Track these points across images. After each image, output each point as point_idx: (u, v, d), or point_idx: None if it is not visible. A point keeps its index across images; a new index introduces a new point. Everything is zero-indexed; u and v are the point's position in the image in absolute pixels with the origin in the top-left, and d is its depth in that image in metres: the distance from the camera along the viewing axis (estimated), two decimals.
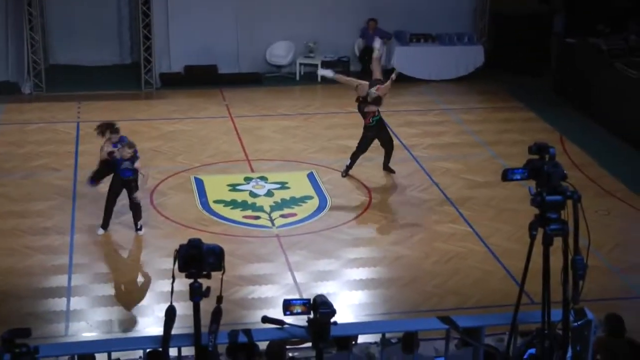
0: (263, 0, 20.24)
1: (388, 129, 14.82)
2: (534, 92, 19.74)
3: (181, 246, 4.98)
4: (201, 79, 19.81)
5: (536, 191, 5.24)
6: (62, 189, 13.99)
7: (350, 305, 10.75)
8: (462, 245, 12.50)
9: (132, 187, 12.32)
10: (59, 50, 20.62)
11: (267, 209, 13.50)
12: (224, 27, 20.11)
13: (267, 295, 11.04)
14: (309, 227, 13.04)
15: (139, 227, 12.50)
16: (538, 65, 20.88)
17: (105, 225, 12.50)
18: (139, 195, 12.43)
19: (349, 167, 14.75)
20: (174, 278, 5.02)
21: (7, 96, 18.75)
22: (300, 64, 20.59)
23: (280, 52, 20.62)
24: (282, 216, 13.31)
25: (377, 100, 14.21)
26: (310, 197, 13.98)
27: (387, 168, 14.89)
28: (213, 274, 5.07)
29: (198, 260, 4.96)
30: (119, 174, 12.25)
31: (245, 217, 13.26)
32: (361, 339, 8.34)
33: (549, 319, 5.38)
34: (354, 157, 14.73)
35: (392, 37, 20.68)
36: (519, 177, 5.29)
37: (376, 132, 14.55)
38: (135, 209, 12.47)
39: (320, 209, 13.62)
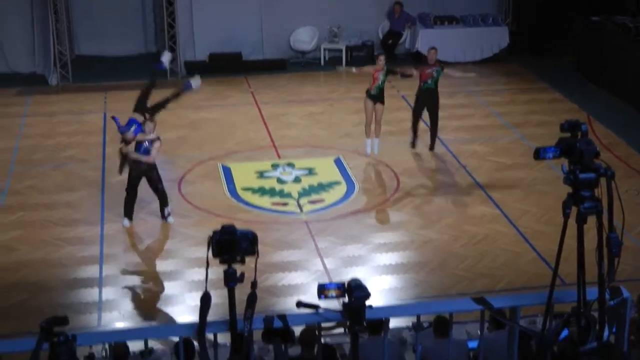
0: None
1: (437, 104, 14.82)
2: (560, 72, 19.62)
3: (215, 232, 4.98)
4: (226, 66, 19.85)
5: (569, 169, 5.20)
6: (91, 180, 14.07)
7: (380, 290, 10.76)
8: (491, 228, 12.46)
9: (153, 176, 12.29)
10: (84, 41, 20.76)
11: (295, 195, 13.51)
12: (248, 14, 20.14)
13: (297, 282, 11.06)
14: (337, 212, 13.05)
15: (166, 214, 12.53)
16: (563, 45, 20.73)
17: (129, 216, 12.50)
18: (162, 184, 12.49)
19: (413, 137, 15.01)
20: (208, 264, 5.03)
21: (34, 87, 18.93)
22: (325, 49, 20.56)
23: (304, 38, 20.60)
24: (310, 202, 13.31)
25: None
26: (338, 183, 13.98)
27: (432, 149, 15.02)
28: (247, 259, 5.07)
29: (232, 245, 4.96)
30: (134, 165, 12.24)
31: (273, 203, 13.29)
32: (392, 323, 8.34)
33: (584, 298, 5.35)
34: (413, 126, 14.97)
35: (416, 21, 20.63)
36: (551, 155, 5.24)
37: (425, 99, 14.71)
38: (160, 197, 12.48)
39: (348, 194, 13.62)
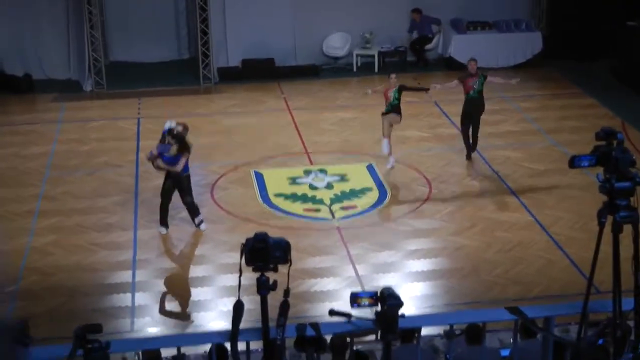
0: None
1: (480, 112, 14.87)
2: (594, 77, 19.46)
3: (248, 240, 4.99)
4: (259, 72, 19.89)
5: (604, 178, 5.16)
6: (125, 185, 14.16)
7: (412, 297, 10.75)
8: (524, 234, 12.40)
9: (182, 187, 12.33)
10: (118, 48, 20.89)
11: (327, 202, 13.52)
12: (280, 20, 20.18)
13: (329, 288, 11.07)
14: (369, 219, 13.04)
15: (197, 222, 12.57)
16: (598, 50, 20.56)
17: (163, 222, 12.56)
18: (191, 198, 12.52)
19: (468, 149, 14.98)
20: (241, 272, 5.05)
21: (69, 94, 19.10)
22: (357, 55, 20.56)
23: (336, 44, 20.62)
24: (342, 208, 13.31)
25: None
26: (370, 189, 13.97)
27: (469, 157, 15.03)
28: (279, 267, 5.08)
29: (264, 253, 4.97)
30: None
31: (305, 210, 13.30)
32: (424, 330, 8.31)
33: (620, 309, 5.31)
34: (464, 139, 15.00)
35: (441, 22, 20.60)
36: (586, 163, 5.20)
37: (469, 109, 14.76)
38: (188, 209, 12.53)
39: (380, 200, 13.60)
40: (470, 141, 14.97)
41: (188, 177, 12.35)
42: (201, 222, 12.58)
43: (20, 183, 14.39)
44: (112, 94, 19.08)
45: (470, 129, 14.94)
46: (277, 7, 20.09)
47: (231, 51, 20.30)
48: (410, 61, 20.57)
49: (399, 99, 14.29)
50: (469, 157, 14.96)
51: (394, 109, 14.34)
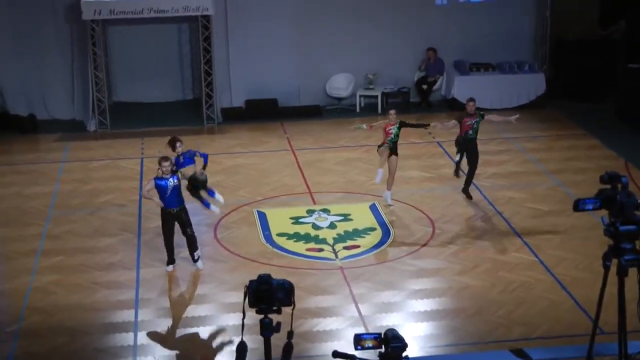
0: (322, 33, 20.38)
1: (477, 153, 14.87)
2: (597, 119, 19.49)
3: (251, 282, 4.99)
4: (262, 113, 19.98)
5: (609, 221, 5.16)
6: (127, 225, 14.16)
7: (415, 337, 10.68)
8: (528, 275, 12.35)
9: (184, 219, 12.35)
10: (122, 88, 20.99)
11: (330, 241, 13.49)
12: (284, 61, 20.30)
13: (332, 328, 11.01)
14: (372, 258, 13.01)
15: (196, 257, 12.55)
16: (601, 91, 20.64)
17: (170, 260, 12.59)
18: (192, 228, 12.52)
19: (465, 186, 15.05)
20: (244, 314, 5.03)
21: (72, 134, 19.19)
22: (360, 96, 20.64)
23: (340, 85, 20.71)
24: (346, 248, 13.28)
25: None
26: (373, 229, 13.95)
27: (465, 192, 14.97)
28: (283, 308, 5.07)
29: (268, 296, 4.96)
30: (165, 207, 12.29)
31: (308, 249, 13.27)
32: None
33: (625, 351, 5.28)
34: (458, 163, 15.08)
35: (443, 71, 20.72)
36: (591, 207, 5.20)
37: (466, 147, 14.75)
38: (189, 242, 12.51)
39: (383, 240, 13.58)
40: (465, 180, 15.05)
41: (185, 208, 12.38)
42: (199, 258, 12.56)
43: (23, 222, 14.42)
44: (116, 134, 19.16)
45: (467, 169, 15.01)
46: (280, 48, 20.22)
47: (234, 92, 20.41)
48: (413, 102, 20.64)
49: (398, 135, 14.40)
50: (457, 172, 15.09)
51: (394, 145, 14.41)
